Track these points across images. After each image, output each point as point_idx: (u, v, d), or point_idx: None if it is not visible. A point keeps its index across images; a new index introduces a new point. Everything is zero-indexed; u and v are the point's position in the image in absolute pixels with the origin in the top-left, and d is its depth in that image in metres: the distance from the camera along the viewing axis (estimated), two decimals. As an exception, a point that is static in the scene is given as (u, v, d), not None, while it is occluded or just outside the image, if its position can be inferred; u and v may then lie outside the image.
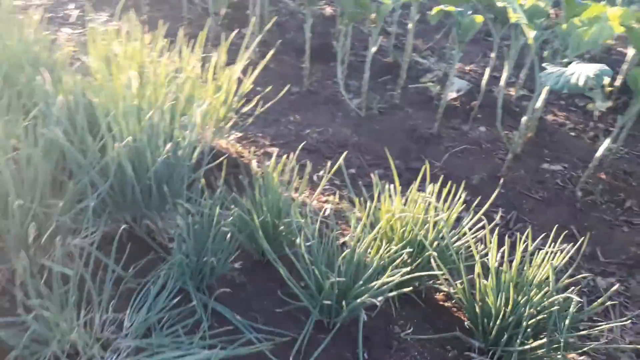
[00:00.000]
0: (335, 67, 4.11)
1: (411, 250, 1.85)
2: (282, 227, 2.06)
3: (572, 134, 3.65)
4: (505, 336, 1.76)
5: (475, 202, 2.28)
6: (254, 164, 2.90)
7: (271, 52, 2.88)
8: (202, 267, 1.93)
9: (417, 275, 1.78)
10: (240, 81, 2.74)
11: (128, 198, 2.06)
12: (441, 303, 2.14)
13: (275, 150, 3.21)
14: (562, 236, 2.12)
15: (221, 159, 2.32)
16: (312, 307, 1.88)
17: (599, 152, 2.77)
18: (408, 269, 1.77)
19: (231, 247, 1.91)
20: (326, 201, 2.72)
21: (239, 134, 3.20)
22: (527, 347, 1.68)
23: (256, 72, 2.68)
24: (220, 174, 2.14)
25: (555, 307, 1.71)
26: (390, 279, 1.72)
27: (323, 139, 3.30)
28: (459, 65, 4.35)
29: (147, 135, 1.94)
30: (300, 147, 2.86)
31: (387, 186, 2.16)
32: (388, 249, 1.85)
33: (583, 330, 1.76)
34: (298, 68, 4.03)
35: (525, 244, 1.89)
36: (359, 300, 1.75)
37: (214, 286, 2.01)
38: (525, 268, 1.83)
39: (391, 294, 1.79)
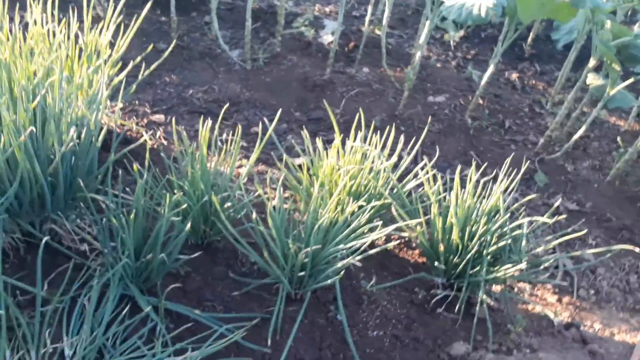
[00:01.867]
0: (197, 18, 3.75)
1: (372, 204, 1.78)
2: (226, 205, 1.84)
3: (439, 65, 3.85)
4: (469, 267, 1.82)
5: (381, 143, 2.26)
6: (145, 137, 2.54)
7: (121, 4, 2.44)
8: (145, 267, 1.64)
9: (389, 231, 1.73)
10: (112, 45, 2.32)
11: (24, 201, 1.64)
12: (395, 251, 2.14)
13: (161, 118, 2.85)
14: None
15: (116, 137, 1.97)
16: (281, 280, 1.73)
17: (484, 81, 2.95)
18: (375, 224, 1.71)
19: (179, 238, 1.65)
20: (240, 166, 2.51)
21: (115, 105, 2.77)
22: (497, 274, 1.75)
23: (112, 31, 2.26)
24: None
25: (512, 230, 1.80)
26: (366, 239, 1.64)
27: (211, 99, 3.01)
28: (318, 6, 4.27)
29: (42, 119, 1.54)
30: (187, 110, 2.59)
31: (315, 142, 2.04)
32: (350, 206, 1.75)
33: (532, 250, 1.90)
34: (157, 22, 3.58)
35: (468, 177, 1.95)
36: (340, 264, 1.65)
37: (157, 284, 1.74)
38: (475, 200, 1.88)
39: (366, 254, 1.71)
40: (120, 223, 1.66)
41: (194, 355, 1.55)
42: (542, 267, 1.99)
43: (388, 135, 2.08)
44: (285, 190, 2.15)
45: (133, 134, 2.60)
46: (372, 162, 1.95)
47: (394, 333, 1.81)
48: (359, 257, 1.65)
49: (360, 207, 1.73)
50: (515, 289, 2.18)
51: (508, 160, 2.21)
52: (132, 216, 1.59)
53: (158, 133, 2.70)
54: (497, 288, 2.07)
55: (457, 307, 1.86)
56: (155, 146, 2.50)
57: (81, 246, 1.83)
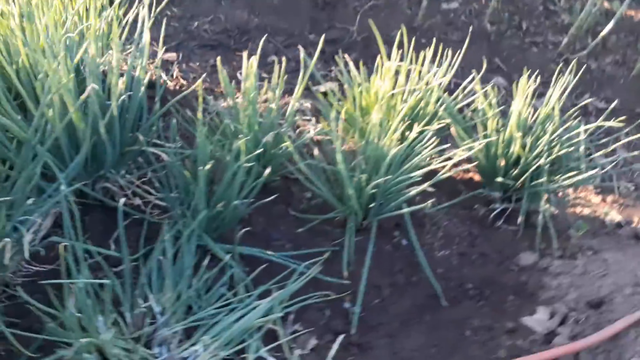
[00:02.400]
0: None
1: (432, 126, 1.73)
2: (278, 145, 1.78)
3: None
4: (528, 179, 1.83)
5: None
6: (164, 78, 2.41)
7: None
8: (216, 215, 1.60)
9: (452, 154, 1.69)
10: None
11: (78, 162, 1.56)
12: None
13: (173, 56, 2.69)
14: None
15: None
16: (349, 213, 1.72)
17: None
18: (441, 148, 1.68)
19: (258, 182, 1.60)
20: (265, 100, 2.41)
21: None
22: (558, 183, 1.76)
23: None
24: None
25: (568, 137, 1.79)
26: (432, 165, 1.62)
27: (219, 29, 2.84)
28: None
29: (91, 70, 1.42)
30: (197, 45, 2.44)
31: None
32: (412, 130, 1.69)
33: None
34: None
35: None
36: (412, 192, 1.63)
37: (226, 232, 1.72)
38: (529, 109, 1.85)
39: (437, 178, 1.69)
40: (181, 173, 1.61)
41: (278, 295, 1.56)
42: (588, 169, 2.01)
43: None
44: (321, 120, 2.08)
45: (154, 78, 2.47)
46: (419, 81, 1.88)
47: (459, 251, 1.84)
48: (428, 184, 1.63)
49: (420, 132, 1.69)
50: (560, 194, 2.21)
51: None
52: (205, 165, 1.51)
53: (174, 73, 2.56)
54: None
55: (517, 220, 1.88)
56: (178, 87, 2.38)
57: (133, 200, 1.78)
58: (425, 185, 1.63)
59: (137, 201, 1.78)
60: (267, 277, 1.67)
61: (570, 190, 2.24)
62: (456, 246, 1.85)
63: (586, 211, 2.10)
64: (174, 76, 2.56)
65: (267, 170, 1.58)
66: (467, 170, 2.07)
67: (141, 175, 1.82)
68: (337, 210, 1.79)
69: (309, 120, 2.23)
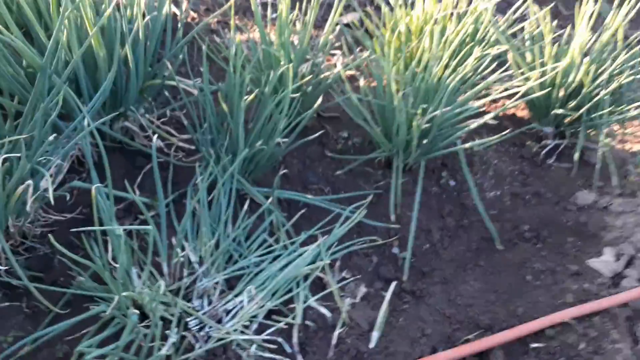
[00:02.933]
0: None
1: (488, 51, 1.56)
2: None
3: None
4: (585, 111, 1.67)
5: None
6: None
7: None
8: (252, 157, 1.44)
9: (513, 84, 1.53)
10: None
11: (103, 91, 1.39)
12: (496, 106, 1.95)
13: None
14: None
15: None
16: (395, 151, 1.56)
17: None
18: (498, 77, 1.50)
19: (303, 117, 1.43)
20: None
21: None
22: (625, 115, 1.61)
23: None
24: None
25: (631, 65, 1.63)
26: (487, 97, 1.46)
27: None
28: None
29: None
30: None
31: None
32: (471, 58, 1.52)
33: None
34: None
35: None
36: (472, 126, 1.47)
37: (260, 175, 1.57)
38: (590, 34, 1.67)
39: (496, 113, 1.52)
40: (212, 109, 1.44)
41: (324, 241, 1.42)
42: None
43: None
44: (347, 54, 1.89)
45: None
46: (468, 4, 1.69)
47: (512, 191, 1.70)
48: (490, 116, 1.47)
49: (477, 58, 1.51)
50: (617, 128, 2.05)
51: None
52: (244, 99, 1.34)
53: (183, 5, 2.34)
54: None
55: (570, 156, 1.74)
56: (190, 20, 2.17)
57: (158, 142, 1.61)
58: (487, 117, 1.48)
59: (161, 143, 1.62)
60: (307, 222, 1.54)
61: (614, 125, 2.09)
62: (508, 186, 1.71)
63: None
64: (184, 9, 2.35)
65: (318, 101, 1.41)
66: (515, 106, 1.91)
67: (161, 115, 1.66)
68: (379, 150, 1.63)
69: (333, 55, 2.04)
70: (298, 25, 1.68)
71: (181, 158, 1.58)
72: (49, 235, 1.06)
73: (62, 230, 1.40)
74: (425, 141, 1.51)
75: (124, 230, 1.36)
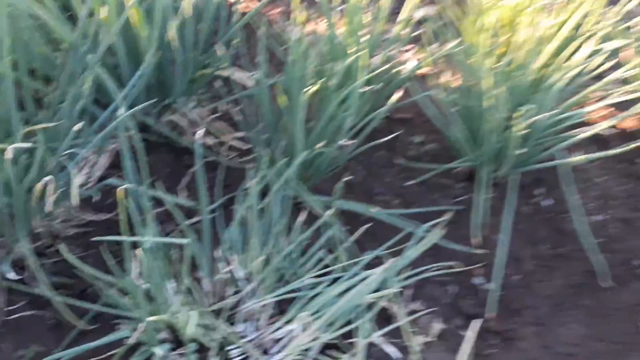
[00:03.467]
0: None
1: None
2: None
3: None
4: None
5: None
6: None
7: None
8: (312, 160, 1.24)
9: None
10: None
11: (140, 85, 1.23)
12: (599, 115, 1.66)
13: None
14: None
15: None
16: (480, 162, 1.32)
17: None
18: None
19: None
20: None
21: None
22: None
23: None
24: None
25: None
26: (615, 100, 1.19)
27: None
28: None
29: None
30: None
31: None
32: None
33: None
34: None
35: None
36: (582, 135, 1.21)
37: (318, 182, 1.36)
38: None
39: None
40: (269, 103, 1.25)
41: (393, 264, 1.19)
42: None
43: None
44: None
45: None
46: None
47: (620, 216, 1.41)
48: (603, 126, 1.21)
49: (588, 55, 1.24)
50: None
51: None
52: (304, 91, 1.14)
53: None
54: None
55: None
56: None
57: (206, 139, 1.44)
58: (601, 127, 1.21)
59: (211, 140, 1.45)
60: (372, 240, 1.31)
61: None
62: (615, 210, 1.41)
63: None
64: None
65: (395, 96, 1.19)
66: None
67: (213, 110, 1.49)
68: (460, 159, 1.39)
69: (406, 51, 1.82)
70: (369, 16, 1.48)
71: (234, 158, 1.40)
72: (61, 244, 0.90)
73: (99, 232, 1.25)
74: (518, 151, 1.25)
75: (162, 237, 1.19)
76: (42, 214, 1.06)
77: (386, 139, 1.41)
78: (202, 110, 1.44)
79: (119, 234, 0.97)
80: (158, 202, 1.29)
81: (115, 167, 1.35)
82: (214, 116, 1.49)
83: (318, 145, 1.18)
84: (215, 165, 1.40)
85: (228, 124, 1.51)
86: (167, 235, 1.23)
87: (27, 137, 1.03)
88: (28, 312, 1.06)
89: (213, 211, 1.28)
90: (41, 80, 1.15)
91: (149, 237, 0.91)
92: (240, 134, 1.44)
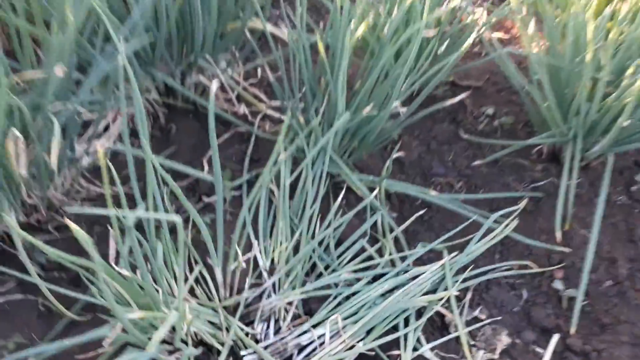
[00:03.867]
0: None
1: None
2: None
3: None
4: None
5: None
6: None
7: None
8: (356, 130, 1.03)
9: None
10: None
11: (160, 39, 1.05)
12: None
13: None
14: None
15: None
16: (567, 139, 1.05)
17: None
18: None
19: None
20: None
21: None
22: None
23: None
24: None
25: None
26: None
27: None
28: None
29: None
30: None
31: None
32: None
33: None
34: None
35: None
36: None
37: (362, 158, 1.15)
38: None
39: None
40: (307, 62, 1.04)
41: (451, 261, 0.97)
42: None
43: None
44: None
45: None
46: None
47: None
48: None
49: None
50: None
51: None
52: (349, 39, 0.92)
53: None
54: None
55: None
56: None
57: (237, 107, 1.25)
58: None
59: (243, 109, 1.27)
60: (426, 230, 1.09)
61: None
62: None
63: None
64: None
65: (465, 45, 0.96)
66: None
67: (247, 74, 1.30)
68: (542, 134, 1.13)
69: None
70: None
71: (267, 130, 1.21)
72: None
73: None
74: (620, 124, 0.97)
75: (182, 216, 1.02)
76: (36, 182, 0.91)
77: (448, 103, 1.17)
78: (234, 73, 1.25)
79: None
80: (179, 175, 1.13)
81: (135, 134, 1.20)
82: (250, 82, 1.30)
83: (365, 110, 0.96)
84: (248, 136, 1.21)
85: (266, 91, 1.32)
86: (184, 215, 1.06)
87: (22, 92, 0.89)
88: (19, 296, 0.92)
89: (239, 188, 1.11)
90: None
91: (136, 213, 0.73)
92: (276, 103, 1.25)
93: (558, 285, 1.03)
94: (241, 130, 1.23)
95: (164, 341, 0.79)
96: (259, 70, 1.28)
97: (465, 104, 1.29)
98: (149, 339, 0.74)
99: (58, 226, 1.02)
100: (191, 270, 0.93)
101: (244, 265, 0.88)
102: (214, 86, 0.78)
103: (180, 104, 1.23)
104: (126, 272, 0.71)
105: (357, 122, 0.99)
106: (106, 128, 1.12)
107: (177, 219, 0.63)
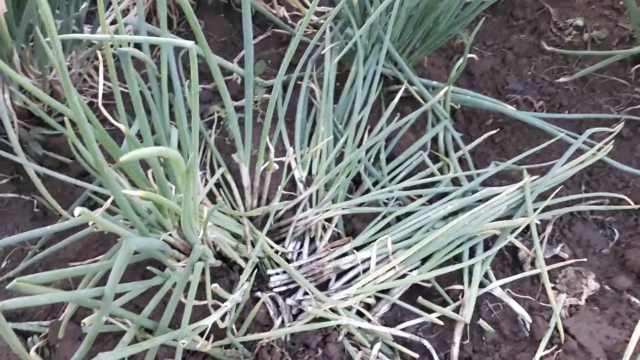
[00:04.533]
0: None
1: None
2: None
3: None
4: None
5: None
6: None
7: None
8: (415, 24, 0.83)
9: None
10: None
11: None
12: None
13: None
14: None
15: None
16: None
17: None
18: None
19: None
20: None
21: None
22: None
23: None
24: None
25: None
26: None
27: None
28: None
29: None
30: None
31: None
32: None
33: None
34: None
35: None
36: None
37: (423, 61, 0.96)
38: None
39: None
40: None
41: (532, 184, 0.78)
42: None
43: None
44: None
45: None
46: None
47: None
48: None
49: None
50: None
51: None
52: None
53: None
54: None
55: None
56: None
57: (277, 10, 1.07)
58: None
59: (283, 12, 1.08)
60: (499, 149, 0.90)
61: None
62: None
63: None
64: None
65: None
66: None
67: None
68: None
69: None
70: None
71: (308, 34, 1.02)
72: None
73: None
74: None
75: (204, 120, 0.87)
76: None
77: (531, 16, 0.96)
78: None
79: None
80: (204, 77, 0.96)
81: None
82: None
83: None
84: (287, 39, 1.04)
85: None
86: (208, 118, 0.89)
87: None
88: (12, 194, 0.78)
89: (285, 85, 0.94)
90: None
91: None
92: (323, 8, 1.06)
93: (662, 223, 0.83)
94: (279, 32, 1.05)
95: (174, 247, 0.63)
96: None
97: (549, 13, 1.07)
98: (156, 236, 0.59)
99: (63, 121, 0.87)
100: (213, 173, 0.78)
101: (275, 166, 0.71)
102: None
103: (213, 2, 1.06)
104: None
105: (424, 5, 0.79)
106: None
107: (190, 43, 0.46)
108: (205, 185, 0.74)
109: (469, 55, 0.88)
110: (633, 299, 0.76)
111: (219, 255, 0.69)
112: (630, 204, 0.83)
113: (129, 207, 0.54)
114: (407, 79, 0.86)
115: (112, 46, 0.52)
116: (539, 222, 0.79)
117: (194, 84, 0.51)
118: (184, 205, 0.53)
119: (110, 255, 0.63)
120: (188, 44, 0.47)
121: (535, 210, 0.77)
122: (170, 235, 0.61)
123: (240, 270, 0.68)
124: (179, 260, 0.64)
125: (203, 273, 0.61)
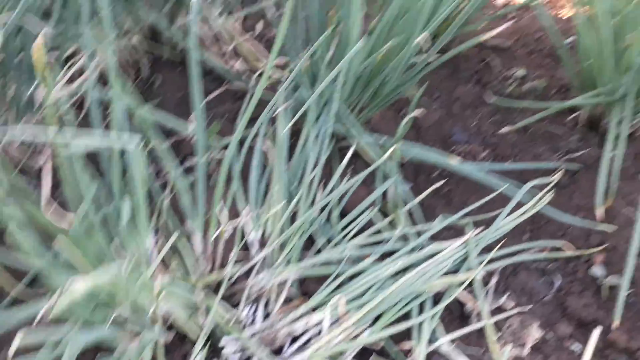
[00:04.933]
0: None
1: None
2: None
3: None
4: None
5: None
6: None
7: None
8: (365, 85, 0.87)
9: None
10: None
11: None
12: None
13: None
14: None
15: None
16: (611, 100, 0.90)
17: None
18: None
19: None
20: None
21: None
22: None
23: None
24: None
25: None
26: None
27: None
28: None
29: None
30: None
31: None
32: None
33: None
34: None
35: None
36: None
37: (372, 119, 0.99)
38: None
39: None
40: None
41: (474, 239, 0.82)
42: None
43: None
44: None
45: None
46: None
47: None
48: None
49: None
50: None
51: None
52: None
53: None
54: None
55: None
56: None
57: (234, 62, 1.10)
58: None
59: (238, 64, 1.11)
60: (445, 203, 0.94)
61: None
62: None
63: None
64: None
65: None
66: None
67: (249, 27, 1.14)
68: (587, 93, 0.97)
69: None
70: None
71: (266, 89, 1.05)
72: None
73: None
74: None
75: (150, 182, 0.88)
76: None
77: (475, 66, 1.02)
78: (232, 22, 1.09)
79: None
80: (164, 132, 0.98)
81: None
82: (250, 33, 1.14)
83: (384, 48, 0.80)
84: (242, 95, 1.06)
85: (267, 43, 1.16)
86: (157, 176, 0.91)
87: None
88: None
89: (240, 143, 0.96)
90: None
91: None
92: (283, 60, 1.09)
93: (597, 271, 0.88)
94: (235, 88, 1.07)
95: (124, 321, 0.64)
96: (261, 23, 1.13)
97: (491, 65, 1.13)
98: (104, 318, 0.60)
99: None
100: (167, 238, 0.79)
101: (229, 230, 0.73)
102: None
103: (167, 54, 1.08)
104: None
105: (370, 68, 0.83)
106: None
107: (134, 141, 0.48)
108: (159, 253, 0.75)
109: (417, 110, 0.93)
110: (573, 347, 0.80)
111: (172, 326, 0.70)
112: (569, 251, 0.88)
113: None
114: (357, 136, 0.90)
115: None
116: (484, 274, 0.83)
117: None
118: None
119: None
120: (131, 146, 0.48)
121: (481, 263, 0.81)
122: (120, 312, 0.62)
123: (193, 342, 0.70)
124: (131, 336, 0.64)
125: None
